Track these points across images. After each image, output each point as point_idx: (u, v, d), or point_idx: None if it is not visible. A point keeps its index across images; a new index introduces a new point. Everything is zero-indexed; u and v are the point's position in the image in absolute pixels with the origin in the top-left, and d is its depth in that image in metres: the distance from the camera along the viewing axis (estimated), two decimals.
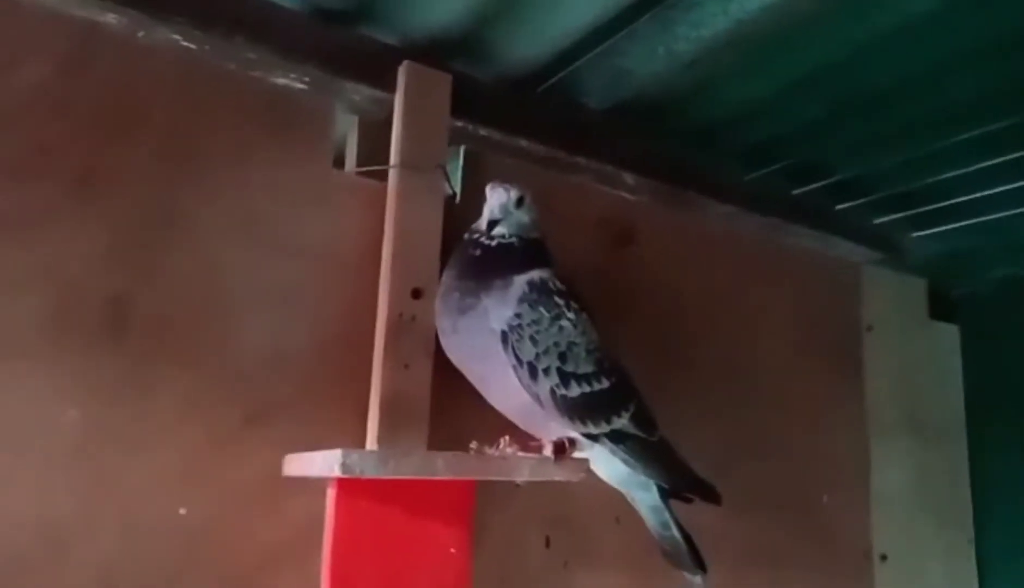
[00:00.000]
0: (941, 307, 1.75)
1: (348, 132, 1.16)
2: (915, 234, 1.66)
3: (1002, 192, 1.43)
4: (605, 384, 0.98)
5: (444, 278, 1.01)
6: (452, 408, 1.04)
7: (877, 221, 1.61)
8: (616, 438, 0.99)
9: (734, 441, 1.35)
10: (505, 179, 1.02)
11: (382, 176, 1.07)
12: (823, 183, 1.47)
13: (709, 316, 1.40)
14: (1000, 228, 1.55)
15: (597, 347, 0.98)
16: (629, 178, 1.32)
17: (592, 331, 0.99)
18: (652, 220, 1.35)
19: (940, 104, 1.20)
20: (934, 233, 1.64)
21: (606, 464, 1.03)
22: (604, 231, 1.30)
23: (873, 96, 1.19)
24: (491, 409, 1.00)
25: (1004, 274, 1.74)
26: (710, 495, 1.04)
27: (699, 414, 1.31)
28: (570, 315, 0.96)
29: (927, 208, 1.54)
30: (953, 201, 1.50)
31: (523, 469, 0.93)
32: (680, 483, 1.04)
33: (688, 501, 1.07)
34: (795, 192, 1.51)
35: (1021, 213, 1.49)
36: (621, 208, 1.33)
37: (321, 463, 0.87)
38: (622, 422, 0.99)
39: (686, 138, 1.35)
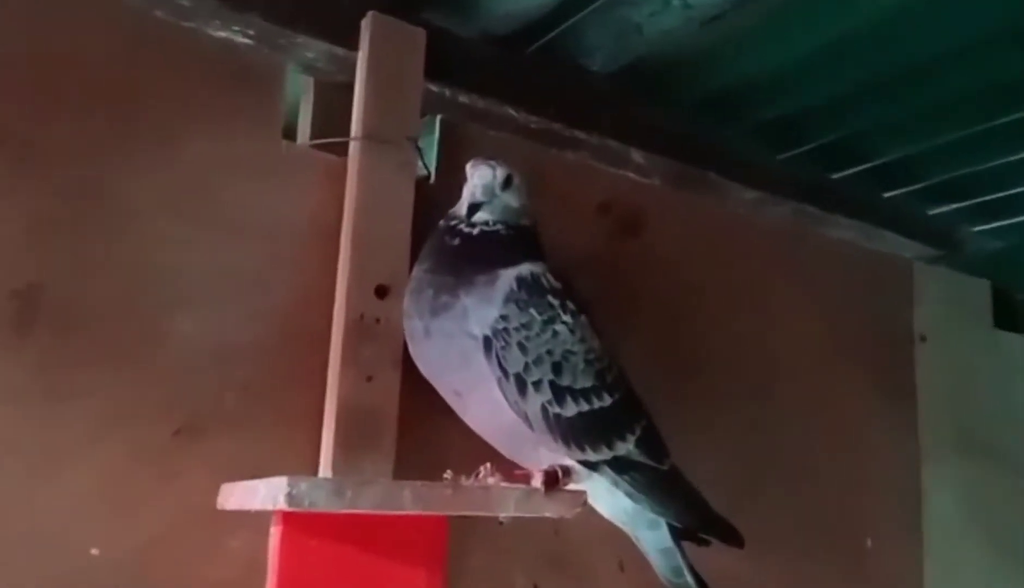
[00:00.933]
0: (1007, 313, 1.78)
1: (301, 97, 1.16)
2: (976, 228, 1.69)
3: None
4: (607, 401, 0.99)
5: (415, 273, 1.02)
6: (423, 429, 1.05)
7: (932, 212, 1.64)
8: (620, 467, 0.99)
9: (758, 469, 1.37)
10: (490, 155, 1.03)
11: (342, 150, 1.08)
12: (867, 166, 1.51)
13: (730, 320, 1.42)
14: None
15: (598, 356, 0.99)
16: (637, 156, 1.34)
17: (592, 337, 1.00)
18: (664, 205, 1.37)
19: (1004, 75, 1.23)
20: (999, 227, 1.69)
21: (607, 498, 1.04)
22: (607, 218, 1.32)
23: (924, 63, 1.21)
24: (470, 431, 1.01)
25: None
26: (731, 536, 1.05)
27: (717, 436, 1.33)
28: (566, 318, 0.98)
29: (990, 197, 1.58)
30: (1021, 189, 1.54)
31: (507, 503, 0.93)
32: (696, 521, 1.04)
33: (704, 543, 1.08)
34: (834, 176, 1.54)
35: None
36: (628, 191, 1.34)
37: (264, 493, 0.87)
38: (627, 447, 1.00)
39: (705, 109, 1.36)
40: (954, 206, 1.63)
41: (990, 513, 1.65)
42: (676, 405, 1.24)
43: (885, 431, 1.55)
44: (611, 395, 0.99)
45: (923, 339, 1.63)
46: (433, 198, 1.09)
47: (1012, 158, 1.44)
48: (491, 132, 1.22)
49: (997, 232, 1.70)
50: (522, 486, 0.97)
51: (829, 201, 1.53)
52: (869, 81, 1.27)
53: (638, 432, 1.01)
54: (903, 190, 1.58)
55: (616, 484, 1.00)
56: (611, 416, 0.99)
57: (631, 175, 1.36)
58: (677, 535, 1.06)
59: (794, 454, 1.43)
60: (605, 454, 0.99)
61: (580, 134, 1.28)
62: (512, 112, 1.23)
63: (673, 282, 1.36)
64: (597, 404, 0.98)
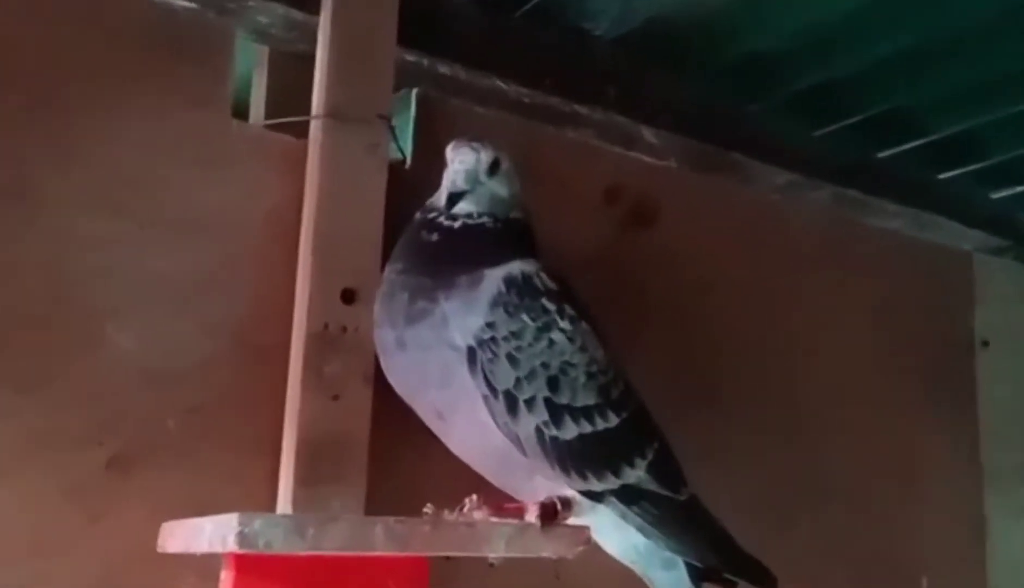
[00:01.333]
0: None
1: (254, 69, 1.15)
2: None
3: None
4: (613, 421, 0.97)
5: (387, 274, 1.00)
6: (398, 456, 1.04)
7: (994, 196, 1.63)
8: (629, 497, 0.98)
9: (792, 497, 1.36)
10: (474, 136, 1.01)
11: (301, 131, 1.07)
12: (918, 143, 1.49)
13: (758, 324, 1.41)
14: None
15: (602, 369, 0.98)
16: (649, 134, 1.32)
17: (596, 347, 0.98)
18: (681, 191, 1.36)
19: None
20: None
21: (614, 533, 1.02)
22: (615, 207, 1.31)
23: (985, 24, 1.20)
24: (453, 458, 1.00)
25: None
26: (761, 577, 1.03)
27: (744, 460, 1.32)
28: (564, 324, 0.96)
29: None
30: None
31: (496, 541, 0.91)
32: (719, 560, 1.03)
33: (730, 585, 1.06)
34: (880, 155, 1.53)
35: None
36: (638, 175, 1.33)
37: (211, 533, 0.85)
38: (637, 474, 0.98)
39: (728, 79, 1.34)
40: (1020, 189, 1.61)
41: None
42: (695, 425, 1.23)
43: (942, 452, 1.53)
44: (617, 414, 0.98)
45: (985, 344, 1.61)
46: (409, 186, 1.07)
47: None
48: (477, 108, 1.21)
49: None
50: (514, 521, 0.95)
51: (874, 184, 1.51)
52: (921, 45, 1.25)
53: (650, 456, 0.99)
54: (961, 170, 1.56)
55: (625, 517, 0.99)
56: (617, 438, 0.97)
57: (642, 157, 1.35)
58: (697, 576, 1.04)
59: (834, 480, 1.41)
60: (611, 483, 0.97)
61: (582, 109, 1.27)
62: (501, 85, 1.21)
63: (692, 281, 1.35)
64: (601, 425, 0.97)
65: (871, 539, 1.42)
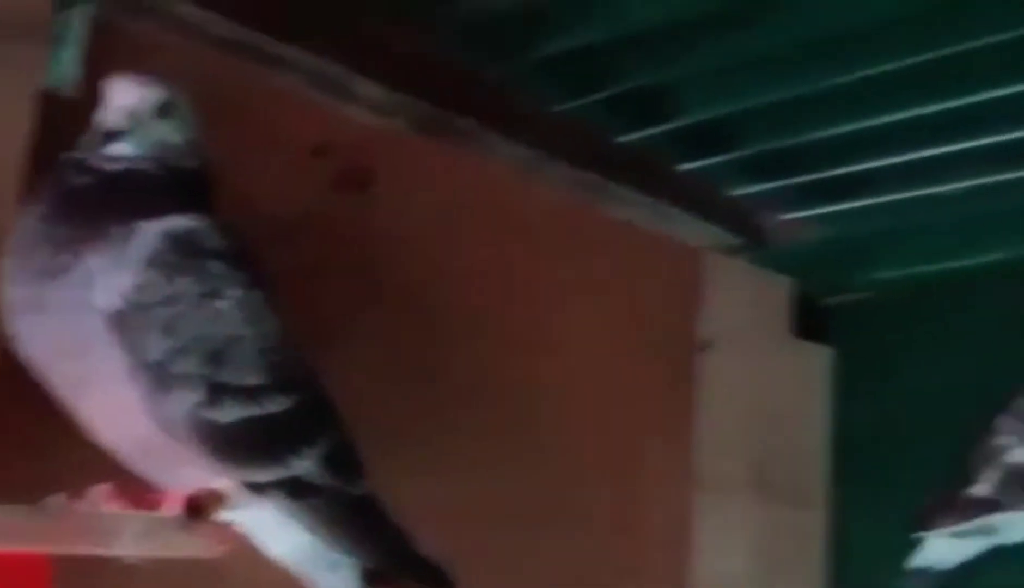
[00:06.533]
0: (810, 320, 1.89)
1: None
2: (788, 215, 1.77)
3: (912, 162, 1.53)
4: (283, 405, 0.97)
5: (23, 221, 0.95)
6: (25, 436, 0.99)
7: (736, 193, 1.70)
8: (296, 490, 0.97)
9: (509, 504, 1.38)
10: (148, 70, 0.97)
11: None
12: (664, 128, 1.52)
13: (483, 309, 1.42)
14: (904, 212, 1.67)
15: (274, 346, 0.97)
16: (372, 89, 1.31)
17: (269, 318, 0.98)
18: (405, 157, 1.35)
19: (838, 24, 1.25)
20: (815, 215, 1.75)
21: (277, 531, 1.01)
22: (324, 165, 1.29)
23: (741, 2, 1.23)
24: (93, 440, 0.95)
25: (902, 276, 1.87)
26: (438, 580, 1.04)
27: (456, 462, 1.33)
28: (233, 292, 0.95)
29: (809, 177, 1.64)
30: (842, 171, 1.61)
31: (121, 536, 0.89)
32: (391, 562, 1.04)
33: None
34: (623, 139, 1.55)
35: (936, 195, 1.59)
36: (355, 133, 1.32)
37: None
38: (305, 465, 0.98)
39: (472, 33, 1.33)
40: (766, 186, 1.68)
41: (773, 553, 1.73)
42: (404, 420, 1.25)
43: (659, 456, 1.61)
44: (288, 397, 0.97)
45: (708, 346, 1.69)
46: (68, 122, 1.01)
47: (841, 130, 1.49)
48: (165, 36, 1.15)
49: (810, 221, 1.77)
50: (151, 515, 0.93)
51: (614, 169, 1.56)
52: (672, 17, 1.27)
53: (325, 445, 0.99)
54: (704, 163, 1.62)
55: (290, 513, 0.98)
56: (286, 424, 0.97)
57: (362, 113, 1.33)
58: (369, 580, 1.04)
59: (552, 488, 1.44)
60: (276, 474, 0.96)
61: (290, 51, 1.23)
62: (194, 10, 1.16)
63: (411, 257, 1.35)
64: (269, 408, 0.96)
65: (580, 554, 1.47)
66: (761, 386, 1.77)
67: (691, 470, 1.65)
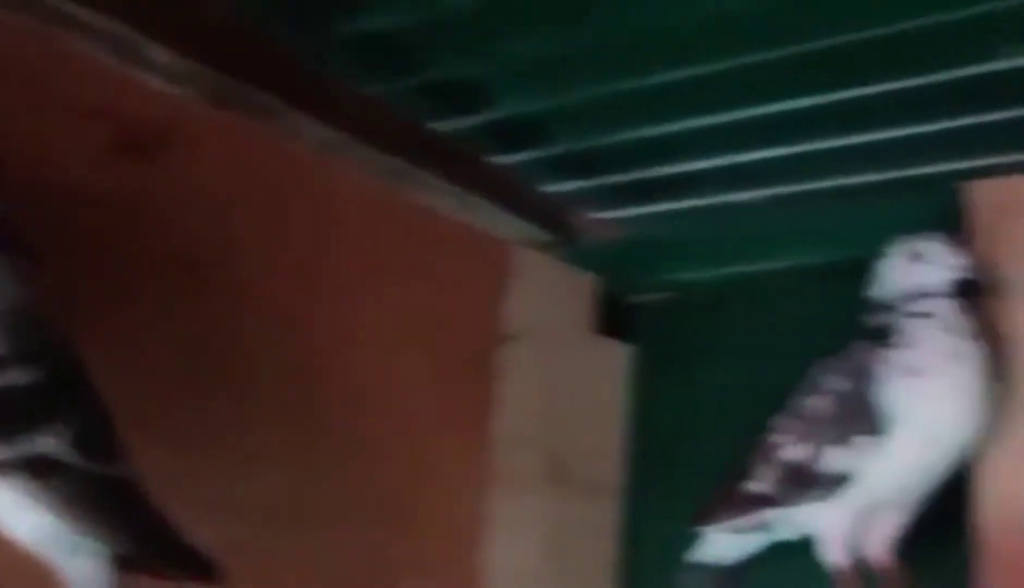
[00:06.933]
0: (613, 318, 1.93)
1: None
2: (597, 213, 1.81)
3: (717, 168, 1.58)
4: (25, 378, 0.94)
5: None
6: None
7: (548, 188, 1.72)
8: (39, 469, 0.95)
9: (283, 494, 1.36)
10: None
11: None
12: (476, 119, 1.53)
13: (272, 294, 1.40)
14: (707, 217, 1.74)
15: (20, 314, 0.95)
16: (161, 53, 1.26)
17: (13, 285, 0.95)
18: (200, 128, 1.32)
19: (645, 22, 1.27)
20: (623, 216, 1.80)
21: (18, 513, 0.97)
22: (102, 131, 1.23)
23: None
24: None
25: (703, 278, 1.94)
26: (199, 568, 1.03)
27: (243, 446, 1.31)
28: None
29: (615, 179, 1.68)
30: (650, 174, 1.65)
31: None
32: (145, 547, 1.02)
33: (163, 575, 1.06)
34: (434, 126, 1.55)
35: (737, 202, 1.67)
36: (139, 100, 1.27)
37: None
38: (49, 442, 0.95)
39: (271, 4, 1.31)
40: (576, 184, 1.71)
41: (566, 547, 1.76)
42: (176, 404, 1.22)
43: (455, 454, 1.61)
44: (33, 369, 0.95)
45: (511, 340, 1.70)
46: None
47: (650, 132, 1.52)
48: None
49: (619, 221, 1.82)
50: None
51: (423, 156, 1.55)
52: (497, 8, 1.28)
53: (74, 423, 0.97)
54: (516, 156, 1.63)
55: (32, 494, 0.95)
56: (29, 398, 0.95)
57: (148, 79, 1.28)
58: (121, 565, 1.02)
59: (340, 482, 1.43)
60: (16, 452, 0.94)
61: (72, 8, 1.17)
62: None
63: (196, 231, 1.32)
64: (9, 380, 0.94)
65: (365, 546, 1.46)
66: (561, 381, 1.79)
67: (487, 464, 1.65)
